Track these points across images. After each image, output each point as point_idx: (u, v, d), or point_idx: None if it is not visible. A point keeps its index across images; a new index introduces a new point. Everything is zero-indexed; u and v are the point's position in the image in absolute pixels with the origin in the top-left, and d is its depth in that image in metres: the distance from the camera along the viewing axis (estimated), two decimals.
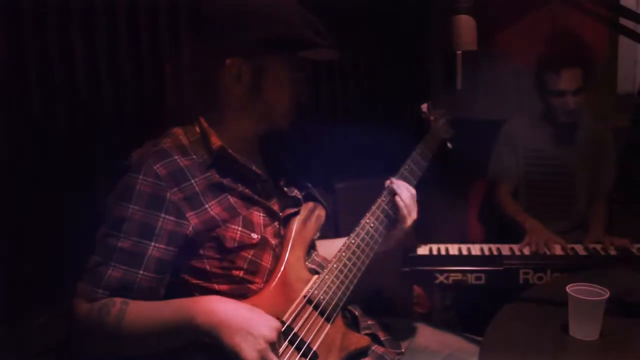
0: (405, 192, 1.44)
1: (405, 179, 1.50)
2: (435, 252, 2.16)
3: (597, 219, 2.37)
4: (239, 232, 1.23)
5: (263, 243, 1.27)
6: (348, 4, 2.77)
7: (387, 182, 1.48)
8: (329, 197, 2.83)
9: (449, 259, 2.08)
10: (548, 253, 2.09)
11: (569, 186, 2.43)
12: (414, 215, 1.45)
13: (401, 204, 1.42)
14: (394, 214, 1.44)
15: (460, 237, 2.79)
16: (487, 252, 2.14)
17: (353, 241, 1.37)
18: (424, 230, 2.99)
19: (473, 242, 2.69)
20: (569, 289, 1.24)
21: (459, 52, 1.21)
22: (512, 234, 2.41)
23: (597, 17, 1.33)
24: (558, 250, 2.10)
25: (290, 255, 1.31)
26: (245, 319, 1.09)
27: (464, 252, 2.15)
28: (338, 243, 1.45)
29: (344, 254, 1.35)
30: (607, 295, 1.22)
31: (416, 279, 2.04)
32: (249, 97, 1.27)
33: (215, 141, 1.25)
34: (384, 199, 1.45)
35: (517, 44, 2.77)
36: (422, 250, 2.18)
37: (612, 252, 2.08)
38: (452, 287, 1.98)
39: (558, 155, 2.43)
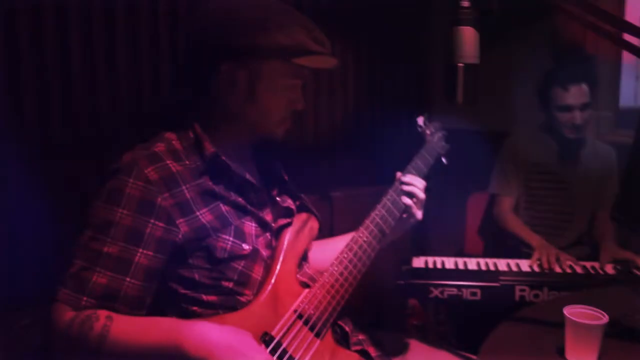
0: (418, 184, 1.48)
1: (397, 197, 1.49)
2: (431, 265, 2.13)
3: (607, 234, 2.33)
4: (230, 242, 1.20)
5: (254, 254, 1.24)
6: (348, 13, 2.75)
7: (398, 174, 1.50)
8: (325, 205, 2.81)
9: (444, 273, 2.04)
10: (559, 270, 2.05)
11: (569, 202, 2.40)
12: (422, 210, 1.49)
13: (415, 195, 1.45)
14: (398, 212, 1.45)
15: (457, 250, 2.77)
16: (483, 267, 2.11)
17: (345, 255, 1.34)
18: (420, 241, 2.98)
19: (470, 255, 2.68)
20: (566, 311, 1.21)
21: (461, 64, 1.18)
22: (509, 249, 2.38)
23: (601, 32, 1.30)
24: (559, 267, 2.07)
25: (282, 267, 1.27)
26: (236, 352, 1.05)
27: (460, 266, 2.12)
28: (334, 243, 1.45)
29: (335, 268, 1.32)
30: (605, 320, 1.19)
31: (411, 293, 2.00)
32: (244, 104, 1.24)
33: (209, 147, 1.22)
34: (387, 200, 1.45)
35: (520, 57, 2.77)
36: (418, 262, 2.15)
37: (611, 272, 2.05)
38: (447, 302, 1.95)
39: (561, 172, 2.40)
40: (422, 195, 1.48)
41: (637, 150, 1.65)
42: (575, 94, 2.25)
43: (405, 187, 1.47)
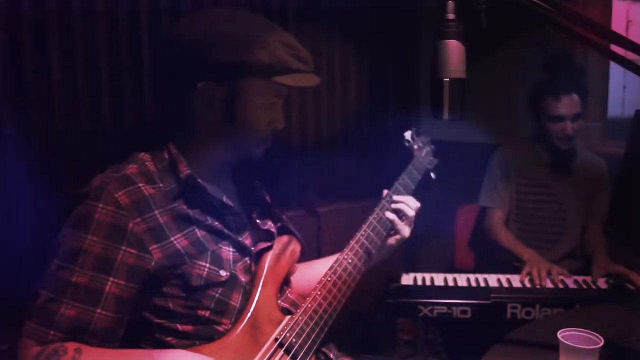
0: (410, 202, 1.46)
1: (378, 219, 1.44)
2: (419, 282, 2.07)
3: (598, 247, 2.29)
4: (206, 269, 1.14)
5: (232, 281, 1.18)
6: (337, 26, 2.71)
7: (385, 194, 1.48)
8: (313, 221, 2.75)
9: (433, 291, 1.99)
10: (551, 285, 2.00)
11: (560, 215, 2.36)
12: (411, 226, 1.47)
13: (404, 212, 1.43)
14: (385, 230, 1.42)
15: (447, 264, 2.72)
16: (473, 283, 2.05)
17: (329, 279, 1.28)
18: (409, 256, 2.93)
19: (460, 270, 2.63)
20: (560, 335, 1.16)
21: (446, 79, 1.13)
22: (501, 263, 2.33)
23: (589, 43, 1.27)
24: (549, 282, 2.02)
25: (262, 294, 1.21)
26: None
27: (450, 283, 2.06)
28: (318, 265, 1.41)
29: (319, 293, 1.26)
30: (601, 343, 1.14)
31: (399, 312, 1.94)
32: (222, 123, 1.18)
33: (184, 169, 1.16)
34: (372, 219, 1.41)
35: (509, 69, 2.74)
36: (406, 279, 2.09)
37: (603, 286, 2.00)
38: (436, 321, 1.89)
39: (551, 184, 2.36)
40: (411, 212, 1.44)
41: (628, 164, 1.61)
42: (567, 104, 2.22)
43: (394, 205, 1.44)
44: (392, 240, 1.48)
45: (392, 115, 3.02)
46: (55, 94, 1.89)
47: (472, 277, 2.11)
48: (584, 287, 1.99)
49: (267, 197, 1.44)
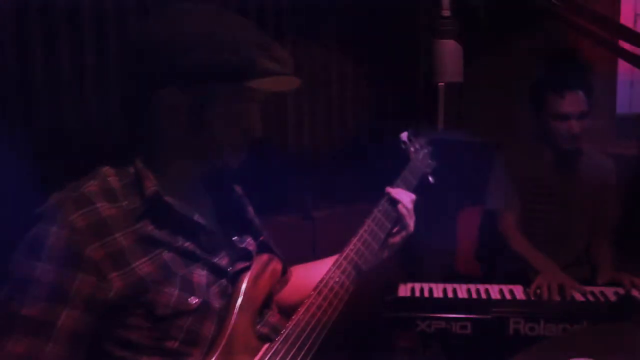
0: (406, 198, 1.40)
1: (376, 222, 1.36)
2: (417, 293, 1.96)
3: (604, 255, 2.17)
4: (174, 297, 1.03)
5: (204, 308, 1.06)
6: (333, 29, 2.61)
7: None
8: (308, 226, 2.64)
9: (431, 304, 1.88)
10: (558, 298, 1.87)
11: (567, 219, 2.24)
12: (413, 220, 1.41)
13: (404, 210, 1.37)
14: (383, 234, 1.35)
15: (448, 270, 2.61)
16: (474, 295, 1.94)
17: (313, 301, 1.17)
18: (409, 262, 2.81)
19: (462, 276, 2.52)
20: None
21: (441, 84, 1.01)
22: (506, 269, 2.22)
23: (596, 39, 1.15)
24: (555, 295, 1.89)
25: (238, 320, 1.10)
26: None
27: (449, 294, 1.95)
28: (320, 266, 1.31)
29: (301, 317, 1.14)
30: None
31: (395, 326, 1.83)
32: (190, 133, 1.07)
33: (150, 185, 1.05)
34: (363, 231, 1.32)
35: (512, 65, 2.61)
36: (404, 290, 1.98)
37: (613, 299, 1.88)
38: (434, 337, 1.78)
39: (557, 185, 2.24)
40: (410, 205, 1.39)
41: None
42: (572, 101, 2.09)
43: (394, 195, 1.39)
44: (396, 238, 1.40)
45: (392, 116, 2.91)
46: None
47: (472, 287, 1.99)
48: (592, 299, 1.87)
49: (250, 209, 1.33)
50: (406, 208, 1.38)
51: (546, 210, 2.25)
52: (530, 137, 2.31)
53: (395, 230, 1.40)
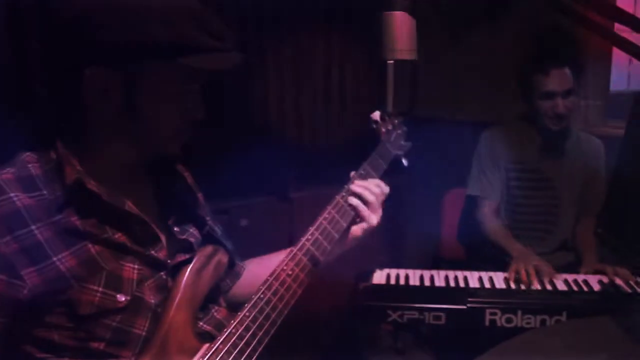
0: (371, 191, 1.26)
1: (337, 209, 1.24)
2: (392, 281, 1.87)
3: (589, 244, 2.08)
4: (98, 294, 0.94)
5: (135, 305, 0.98)
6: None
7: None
8: (285, 208, 2.55)
9: (405, 292, 1.79)
10: (539, 287, 1.78)
11: (553, 203, 2.15)
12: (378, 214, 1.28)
13: (360, 207, 1.24)
14: (345, 222, 1.23)
15: (432, 254, 2.53)
16: (452, 283, 1.85)
17: (262, 295, 1.08)
18: (391, 246, 2.73)
19: (446, 259, 2.44)
20: None
21: (390, 61, 0.91)
22: (490, 255, 2.14)
23: (590, 25, 1.06)
24: (537, 283, 1.81)
25: (175, 317, 1.02)
26: None
27: (426, 282, 1.86)
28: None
29: (247, 313, 1.05)
30: None
31: (366, 317, 1.75)
32: (121, 116, 0.97)
33: (71, 173, 0.95)
34: (322, 219, 1.21)
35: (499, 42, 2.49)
36: (378, 277, 1.89)
37: (597, 288, 1.79)
38: (406, 327, 1.70)
39: (543, 168, 2.14)
40: (372, 198, 1.25)
41: (625, 156, 1.39)
42: (557, 78, 1.98)
43: (354, 188, 1.26)
44: (357, 230, 1.28)
45: (376, 96, 2.80)
46: None
47: (451, 274, 1.90)
48: (575, 289, 1.78)
49: (199, 196, 1.24)
50: (367, 201, 1.26)
51: (531, 194, 2.15)
52: (516, 117, 2.20)
53: (357, 219, 1.30)
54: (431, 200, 2.58)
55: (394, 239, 2.78)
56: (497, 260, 2.05)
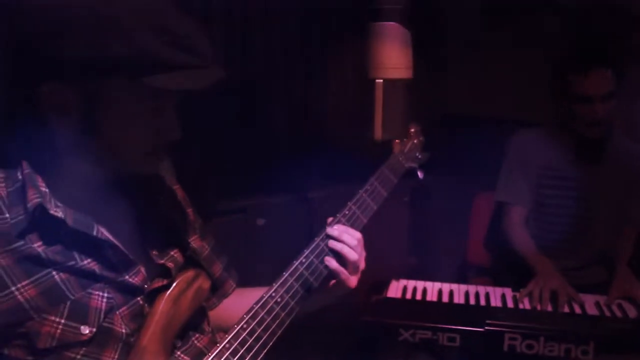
0: (349, 240, 1.11)
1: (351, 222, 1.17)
2: (409, 295, 1.77)
3: (624, 255, 1.92)
4: (60, 327, 0.88)
5: (102, 336, 0.91)
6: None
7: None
8: (302, 208, 2.46)
9: (419, 309, 1.68)
10: (567, 309, 1.64)
11: (587, 215, 1.98)
12: (361, 266, 1.15)
13: (344, 256, 1.11)
14: (320, 277, 1.11)
15: (459, 260, 2.40)
16: (472, 300, 1.73)
17: (245, 325, 1.00)
18: (416, 250, 2.61)
19: (473, 266, 2.32)
20: None
21: (379, 80, 0.80)
22: (517, 265, 2.00)
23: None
24: (562, 306, 1.66)
25: (148, 346, 0.95)
26: None
27: (444, 297, 1.75)
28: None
29: (227, 344, 0.98)
30: None
31: (376, 333, 1.65)
32: (83, 134, 0.89)
33: (33, 196, 0.88)
34: (308, 254, 1.11)
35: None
36: (394, 289, 1.79)
37: (633, 315, 1.63)
38: (418, 348, 1.59)
39: (577, 176, 1.97)
40: (352, 255, 1.11)
41: None
42: (596, 81, 1.81)
43: (332, 245, 1.12)
44: (335, 288, 1.16)
45: None
46: None
47: (472, 290, 1.78)
48: (607, 314, 1.63)
49: (189, 211, 1.17)
50: (346, 258, 1.10)
51: (563, 204, 1.99)
52: (550, 120, 2.03)
53: (332, 283, 1.16)
54: (462, 202, 2.45)
55: (424, 242, 2.67)
56: (523, 271, 1.91)
